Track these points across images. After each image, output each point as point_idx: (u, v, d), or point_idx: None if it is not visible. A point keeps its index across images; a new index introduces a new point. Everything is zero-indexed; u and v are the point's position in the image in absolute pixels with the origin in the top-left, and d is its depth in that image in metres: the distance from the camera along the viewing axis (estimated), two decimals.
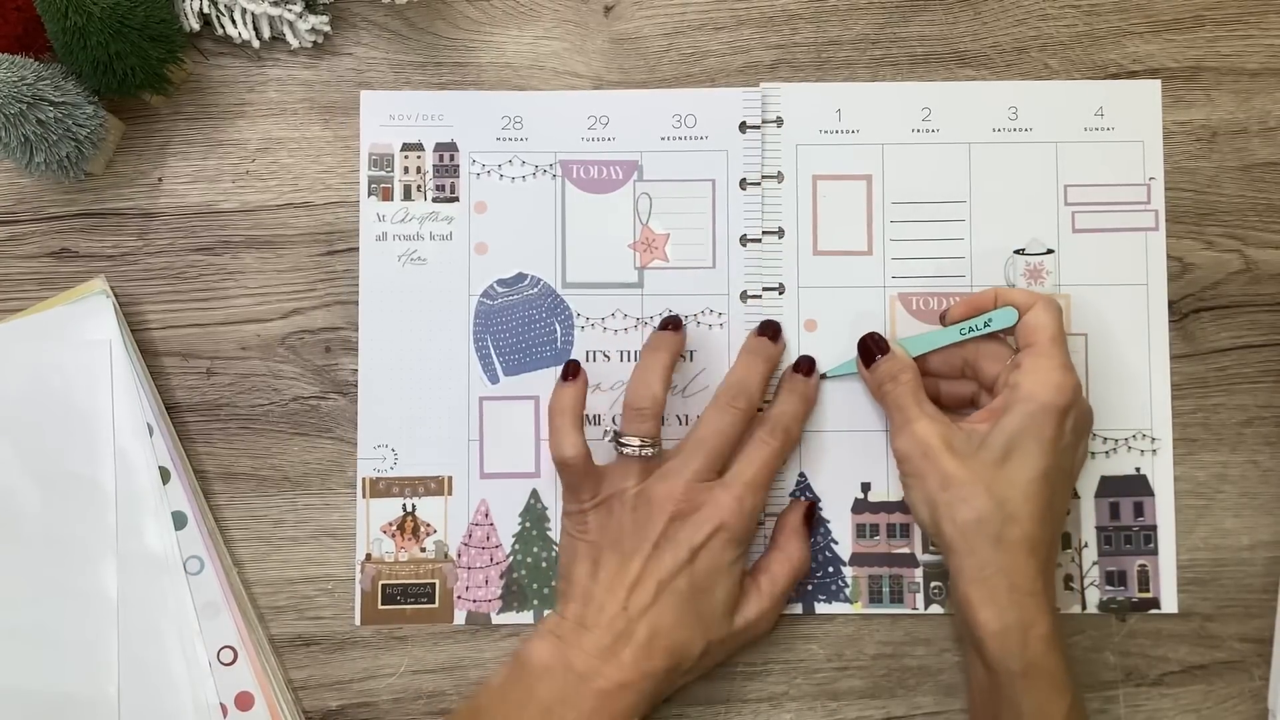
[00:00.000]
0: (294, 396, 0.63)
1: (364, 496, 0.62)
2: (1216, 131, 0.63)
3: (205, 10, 0.62)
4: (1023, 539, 0.54)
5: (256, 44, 0.63)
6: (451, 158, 0.63)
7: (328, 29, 0.63)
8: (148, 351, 0.62)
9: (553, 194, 0.63)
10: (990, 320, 0.58)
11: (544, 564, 0.62)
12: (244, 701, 0.60)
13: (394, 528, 0.62)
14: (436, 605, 0.62)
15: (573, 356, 0.62)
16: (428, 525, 0.62)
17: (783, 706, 0.62)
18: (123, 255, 0.63)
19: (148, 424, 0.61)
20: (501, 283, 0.63)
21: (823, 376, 0.62)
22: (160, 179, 0.64)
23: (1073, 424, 0.56)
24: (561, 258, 0.63)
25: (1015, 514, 0.54)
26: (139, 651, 0.59)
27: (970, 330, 0.59)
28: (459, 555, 0.62)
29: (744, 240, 0.63)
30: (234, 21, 0.62)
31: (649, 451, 0.58)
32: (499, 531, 0.62)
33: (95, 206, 0.63)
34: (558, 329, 0.63)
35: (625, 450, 0.58)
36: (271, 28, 0.63)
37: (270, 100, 0.64)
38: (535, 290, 0.63)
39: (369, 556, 0.62)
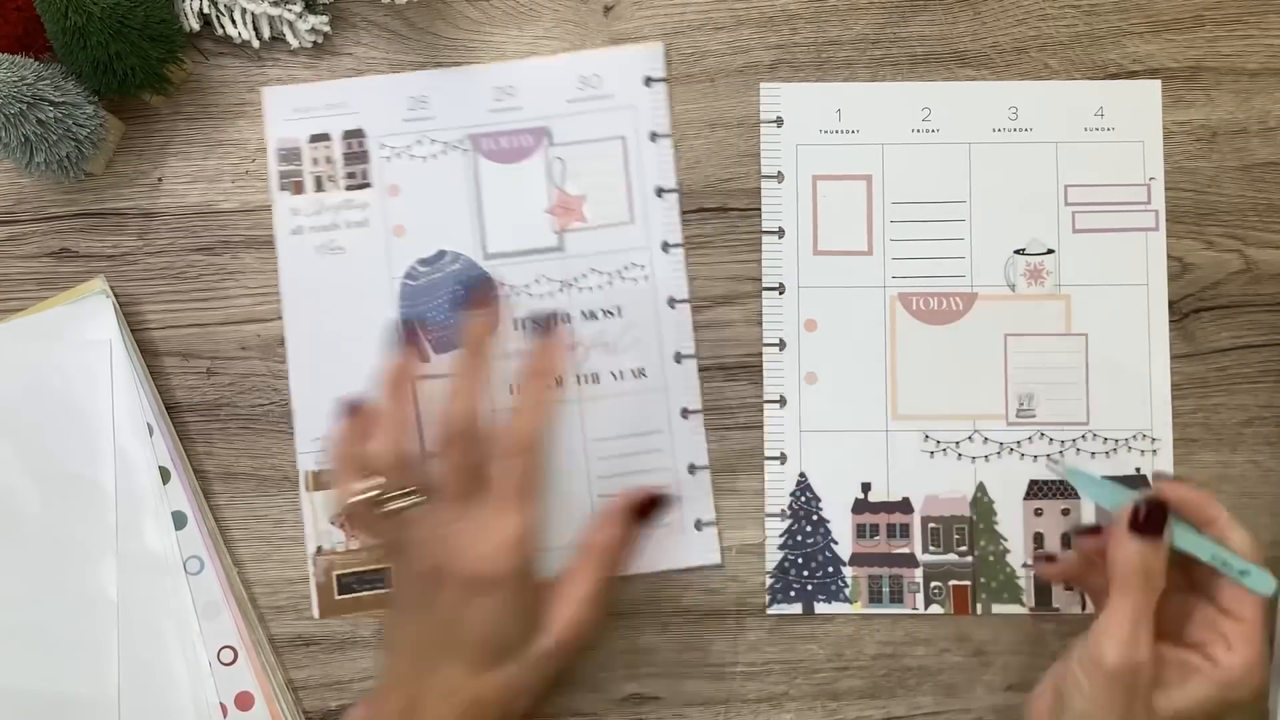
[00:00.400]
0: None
1: (308, 490, 0.62)
2: (1216, 131, 0.63)
3: (205, 10, 0.62)
4: None
5: (256, 44, 0.63)
6: (360, 144, 0.63)
7: (328, 29, 0.63)
8: (148, 351, 0.62)
9: (465, 169, 0.63)
10: (1248, 576, 0.51)
11: None
12: (244, 701, 0.60)
13: (342, 518, 0.62)
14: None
15: (500, 327, 0.59)
16: None
17: (783, 706, 0.62)
18: (123, 255, 0.63)
19: (148, 424, 0.61)
20: (423, 262, 0.63)
21: (1070, 480, 0.56)
22: (160, 179, 0.64)
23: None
24: (480, 230, 0.63)
25: None
26: (139, 651, 0.59)
27: (1222, 564, 0.51)
28: None
29: (659, 192, 0.63)
30: (234, 21, 0.62)
31: (408, 502, 0.52)
32: None
33: (95, 206, 0.63)
34: None
35: (388, 507, 0.52)
36: (271, 28, 0.63)
37: None
38: (458, 265, 0.63)
39: (320, 550, 0.62)
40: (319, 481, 0.62)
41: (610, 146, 0.63)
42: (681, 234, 0.63)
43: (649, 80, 0.63)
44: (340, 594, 0.62)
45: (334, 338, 0.62)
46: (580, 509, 0.62)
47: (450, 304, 0.62)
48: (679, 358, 0.62)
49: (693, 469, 0.62)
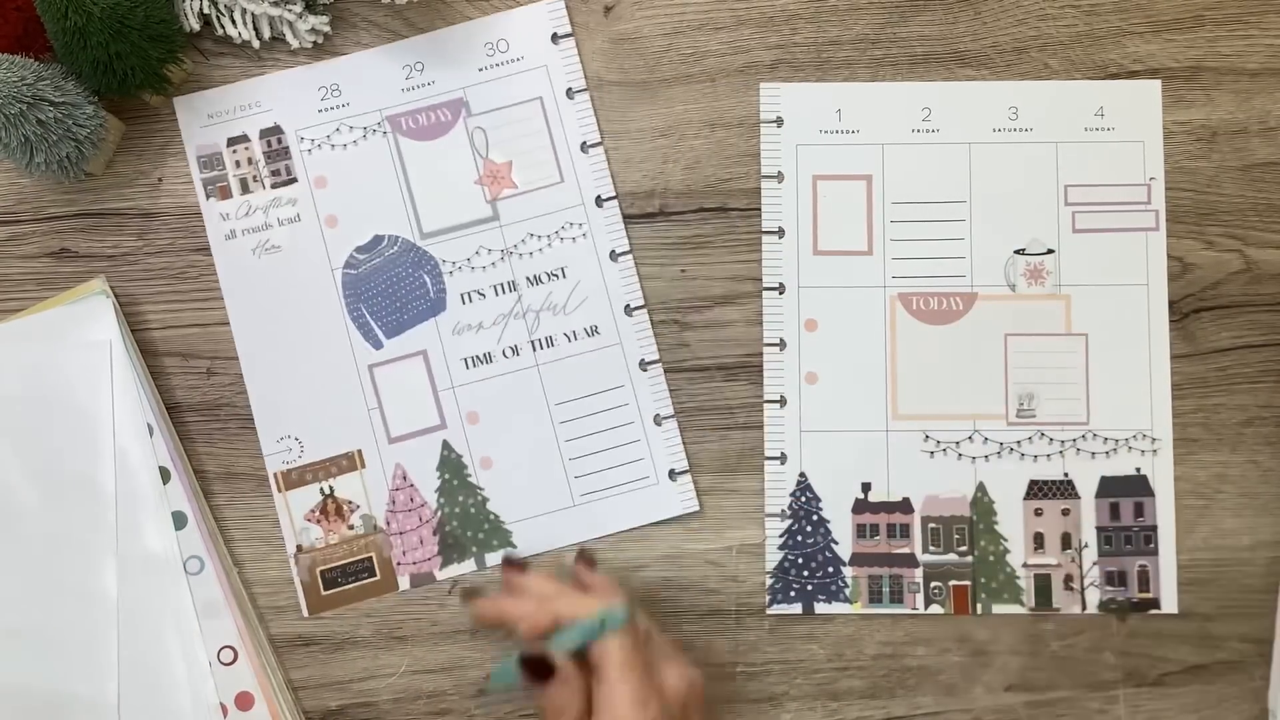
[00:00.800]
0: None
1: (279, 490, 0.62)
2: (1216, 131, 0.63)
3: (205, 10, 0.62)
4: None
5: (256, 44, 0.63)
6: (279, 140, 0.63)
7: (328, 29, 0.63)
8: (148, 351, 0.62)
9: (387, 151, 0.63)
10: (599, 624, 0.52)
11: (472, 510, 0.62)
12: (244, 701, 0.60)
13: (316, 513, 0.62)
14: (379, 577, 0.62)
15: (448, 302, 0.63)
16: (350, 503, 0.62)
17: (783, 706, 0.62)
18: (123, 255, 0.63)
19: (148, 424, 0.61)
20: (360, 250, 0.63)
21: (481, 692, 0.58)
22: (160, 179, 0.64)
23: None
24: (413, 210, 0.63)
25: None
26: (139, 651, 0.59)
27: (584, 634, 0.53)
28: (388, 523, 0.62)
29: (585, 147, 0.63)
30: (234, 21, 0.62)
31: None
32: (421, 491, 0.62)
33: (95, 206, 0.63)
34: (427, 280, 0.63)
35: None
36: (271, 28, 0.63)
37: None
38: (395, 249, 0.63)
39: (300, 548, 0.62)
40: (289, 479, 0.62)
41: (529, 109, 0.63)
42: (613, 187, 0.63)
43: (556, 37, 0.63)
44: (326, 589, 0.62)
45: (283, 336, 0.62)
46: (554, 476, 0.62)
47: (393, 288, 0.62)
48: (629, 310, 0.63)
49: (659, 419, 0.62)
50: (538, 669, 0.53)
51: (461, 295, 0.63)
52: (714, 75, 0.64)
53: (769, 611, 0.62)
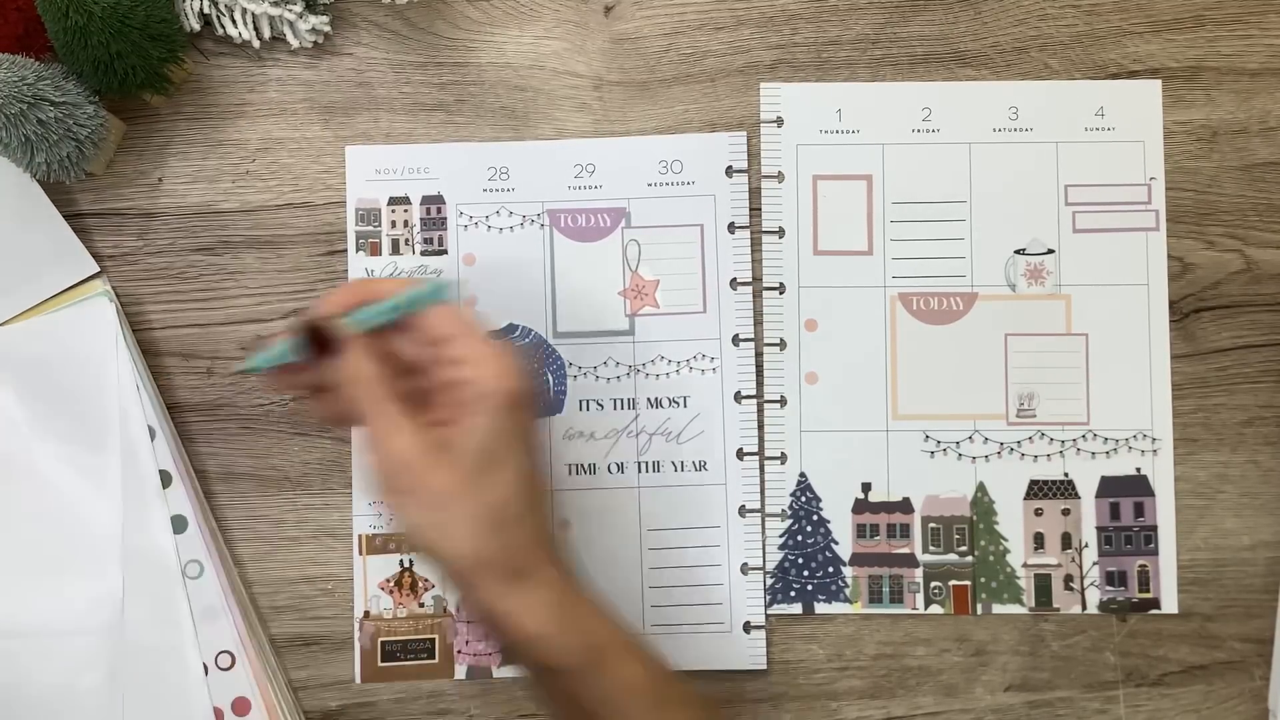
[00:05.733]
0: (294, 396, 0.63)
1: (360, 554, 0.62)
2: (1217, 131, 0.63)
3: (206, 10, 0.62)
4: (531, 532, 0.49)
5: (257, 44, 0.63)
6: (439, 210, 0.63)
7: (328, 29, 0.63)
8: (148, 351, 0.62)
9: (541, 243, 0.63)
10: (422, 295, 0.50)
11: None
12: (241, 706, 0.60)
13: (392, 584, 0.62)
14: (436, 660, 0.61)
15: (565, 406, 0.62)
16: (425, 580, 0.62)
17: (783, 706, 0.61)
18: (123, 255, 0.63)
19: (149, 427, 0.60)
20: (492, 334, 0.63)
21: (243, 372, 0.55)
22: (160, 179, 0.64)
23: (528, 408, 0.50)
24: (552, 307, 0.63)
25: (515, 516, 0.49)
26: (137, 655, 0.59)
27: (405, 306, 0.50)
28: (458, 609, 0.62)
29: (734, 284, 0.63)
30: (234, 21, 0.62)
31: None
32: None
33: (95, 206, 0.63)
34: (550, 379, 0.63)
35: None
36: (272, 28, 0.63)
37: (270, 100, 0.64)
38: (526, 341, 0.63)
39: (367, 614, 0.62)
40: (372, 545, 0.62)
41: (688, 234, 0.63)
42: (753, 330, 0.63)
43: (730, 170, 0.63)
44: (384, 660, 0.61)
45: None
46: (631, 599, 0.61)
47: None
48: (741, 454, 0.62)
49: (745, 569, 0.62)
50: (321, 341, 0.49)
51: (580, 401, 0.62)
52: (714, 75, 0.64)
53: (769, 611, 0.62)
